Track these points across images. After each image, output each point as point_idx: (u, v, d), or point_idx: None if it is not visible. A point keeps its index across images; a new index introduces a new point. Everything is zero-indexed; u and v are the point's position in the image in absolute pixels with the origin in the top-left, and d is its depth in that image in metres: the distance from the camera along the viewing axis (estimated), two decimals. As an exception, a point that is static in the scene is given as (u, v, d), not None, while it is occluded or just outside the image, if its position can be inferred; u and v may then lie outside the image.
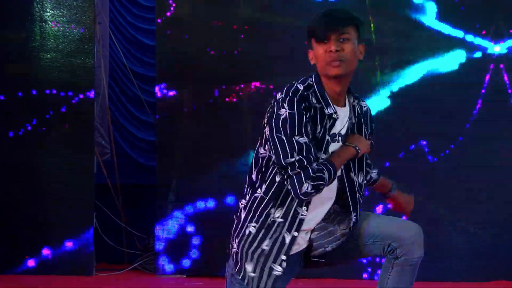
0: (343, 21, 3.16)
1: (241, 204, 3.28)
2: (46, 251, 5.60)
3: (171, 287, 5.43)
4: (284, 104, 3.11)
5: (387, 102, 5.49)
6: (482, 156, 5.44)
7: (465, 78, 5.48)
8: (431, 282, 5.26)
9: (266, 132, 3.19)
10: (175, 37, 5.59)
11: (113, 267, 5.80)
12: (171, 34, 5.60)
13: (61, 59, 5.65)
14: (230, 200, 5.52)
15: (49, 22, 5.64)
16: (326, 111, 3.16)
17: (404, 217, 3.60)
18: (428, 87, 5.49)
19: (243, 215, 3.24)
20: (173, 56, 5.61)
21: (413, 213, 3.52)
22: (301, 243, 3.27)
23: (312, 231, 3.29)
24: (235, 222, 3.28)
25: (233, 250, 3.25)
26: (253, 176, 3.24)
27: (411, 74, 5.50)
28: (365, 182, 3.41)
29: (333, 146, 3.23)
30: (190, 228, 5.58)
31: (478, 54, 5.47)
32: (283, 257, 3.19)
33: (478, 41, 5.45)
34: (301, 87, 3.16)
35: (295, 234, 3.20)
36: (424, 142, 5.48)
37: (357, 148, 3.23)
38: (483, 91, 5.47)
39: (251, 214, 3.22)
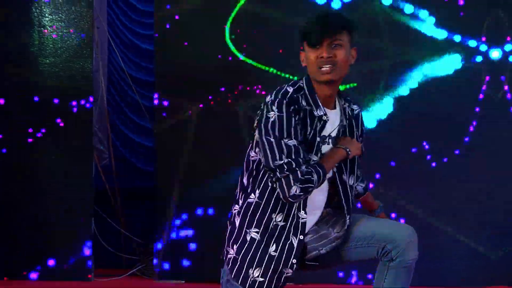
0: (336, 27, 3.17)
1: (234, 209, 3.28)
2: (44, 257, 5.58)
3: (170, 292, 5.43)
4: (273, 107, 3.12)
5: (389, 107, 5.49)
6: (484, 158, 5.45)
7: (463, 82, 5.48)
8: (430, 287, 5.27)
9: (256, 135, 3.19)
10: (173, 46, 5.57)
11: (111, 272, 5.79)
12: (170, 44, 5.58)
13: (60, 64, 5.64)
14: (229, 206, 5.50)
15: (47, 27, 5.63)
16: (315, 113, 3.17)
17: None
18: (427, 92, 5.49)
19: (237, 221, 3.25)
20: (171, 65, 5.59)
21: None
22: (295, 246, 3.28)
23: (306, 234, 3.30)
24: (229, 228, 3.29)
25: (230, 256, 3.25)
26: (244, 180, 3.25)
27: (411, 79, 5.50)
28: (355, 184, 3.42)
29: (324, 148, 3.24)
30: (189, 234, 5.57)
31: (477, 59, 5.47)
32: (294, 260, 3.20)
33: (474, 44, 5.46)
34: (290, 90, 3.18)
35: (301, 237, 3.21)
36: (426, 146, 5.48)
37: (348, 150, 3.24)
38: (481, 96, 5.48)
39: (248, 220, 3.22)
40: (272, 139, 3.10)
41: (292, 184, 3.06)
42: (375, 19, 5.48)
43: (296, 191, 3.07)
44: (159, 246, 5.58)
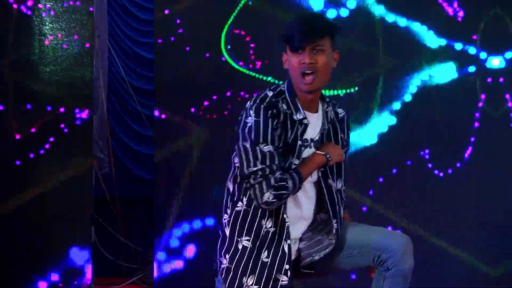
0: (319, 33, 3.17)
1: (224, 219, 3.28)
2: (43, 265, 5.57)
3: (169, 301, 5.42)
4: (251, 112, 3.13)
5: (388, 117, 5.50)
6: (485, 165, 5.45)
7: (462, 91, 5.49)
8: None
9: None
10: (174, 54, 5.58)
11: (111, 281, 5.78)
12: (170, 52, 5.58)
13: (60, 73, 5.64)
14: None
15: (48, 35, 5.64)
16: (295, 117, 3.17)
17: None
18: (426, 100, 5.49)
19: (228, 231, 3.25)
20: (172, 73, 5.59)
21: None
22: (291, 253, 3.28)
23: (301, 240, 3.30)
24: (221, 237, 3.29)
25: (223, 266, 3.25)
26: (230, 187, 3.26)
27: (409, 87, 5.50)
28: (344, 187, 3.42)
29: (306, 152, 3.24)
30: (189, 243, 5.57)
31: (473, 68, 5.48)
32: (287, 266, 3.20)
33: (476, 52, 5.46)
34: (270, 94, 3.18)
35: (288, 242, 3.22)
36: (426, 155, 5.48)
37: (328, 156, 3.23)
38: (480, 104, 5.49)
39: (238, 229, 3.23)
40: (248, 145, 3.10)
41: (265, 191, 3.07)
42: (371, 28, 5.48)
43: (269, 198, 3.08)
44: (158, 255, 5.58)
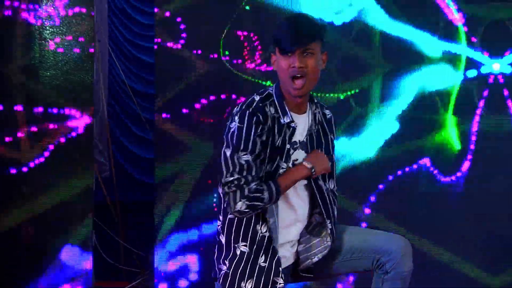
0: (308, 37, 3.18)
1: (218, 225, 3.30)
2: (43, 269, 5.58)
3: (170, 305, 5.42)
4: (236, 117, 3.16)
5: (387, 123, 5.50)
6: (485, 172, 5.46)
7: (462, 96, 5.49)
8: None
9: None
10: (174, 57, 5.59)
11: (112, 284, 5.79)
12: (170, 55, 5.59)
13: (61, 77, 5.65)
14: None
15: (48, 39, 5.65)
16: (282, 121, 3.18)
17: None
18: (427, 103, 5.50)
19: (223, 238, 3.26)
20: (172, 75, 5.60)
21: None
22: (288, 256, 3.30)
23: (299, 243, 3.31)
24: (217, 245, 3.30)
25: (223, 272, 3.26)
26: (221, 191, 3.26)
27: (408, 92, 5.51)
28: (336, 187, 3.42)
29: (295, 154, 3.24)
30: (189, 248, 5.57)
31: (474, 73, 5.48)
32: (280, 269, 3.20)
33: (476, 56, 5.47)
34: (257, 99, 3.20)
35: (275, 246, 3.24)
36: (426, 162, 5.48)
37: (313, 170, 3.22)
38: (479, 108, 5.49)
39: (234, 235, 3.24)
40: (228, 153, 3.14)
41: (238, 200, 3.09)
42: (370, 33, 5.49)
43: (241, 207, 3.10)
44: (159, 259, 5.58)
